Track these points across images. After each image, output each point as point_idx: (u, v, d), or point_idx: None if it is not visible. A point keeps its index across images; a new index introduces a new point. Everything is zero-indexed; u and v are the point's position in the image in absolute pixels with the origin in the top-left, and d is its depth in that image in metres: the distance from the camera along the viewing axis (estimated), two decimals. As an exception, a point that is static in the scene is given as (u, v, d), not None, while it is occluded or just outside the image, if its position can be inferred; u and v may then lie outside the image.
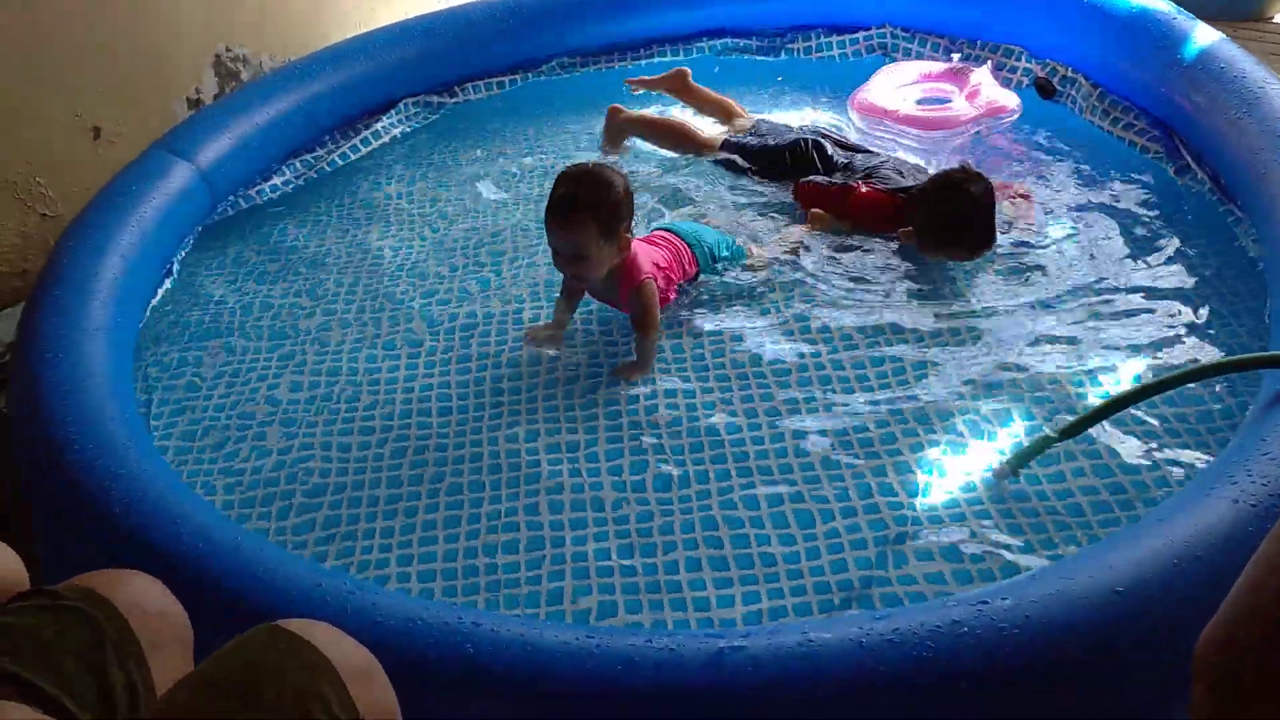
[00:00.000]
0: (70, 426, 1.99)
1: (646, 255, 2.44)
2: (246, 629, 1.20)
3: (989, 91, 3.24)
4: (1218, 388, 2.20)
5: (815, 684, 1.47)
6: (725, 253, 2.64)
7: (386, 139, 3.40)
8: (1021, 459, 2.04)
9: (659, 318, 2.42)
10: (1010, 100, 3.22)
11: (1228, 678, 1.08)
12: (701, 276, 2.61)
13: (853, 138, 3.15)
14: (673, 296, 2.54)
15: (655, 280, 2.42)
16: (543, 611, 1.89)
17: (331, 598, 1.60)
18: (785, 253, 2.71)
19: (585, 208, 2.25)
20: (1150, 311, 2.44)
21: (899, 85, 3.36)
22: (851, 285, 2.60)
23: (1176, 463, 2.05)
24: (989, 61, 3.39)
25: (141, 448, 2.00)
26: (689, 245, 2.58)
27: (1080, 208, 2.81)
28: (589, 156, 3.29)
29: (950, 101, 3.29)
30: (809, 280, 2.62)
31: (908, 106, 3.26)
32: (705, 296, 2.61)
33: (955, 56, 3.48)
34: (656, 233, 2.63)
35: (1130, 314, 2.43)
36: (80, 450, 1.93)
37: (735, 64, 3.69)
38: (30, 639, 1.12)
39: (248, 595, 1.63)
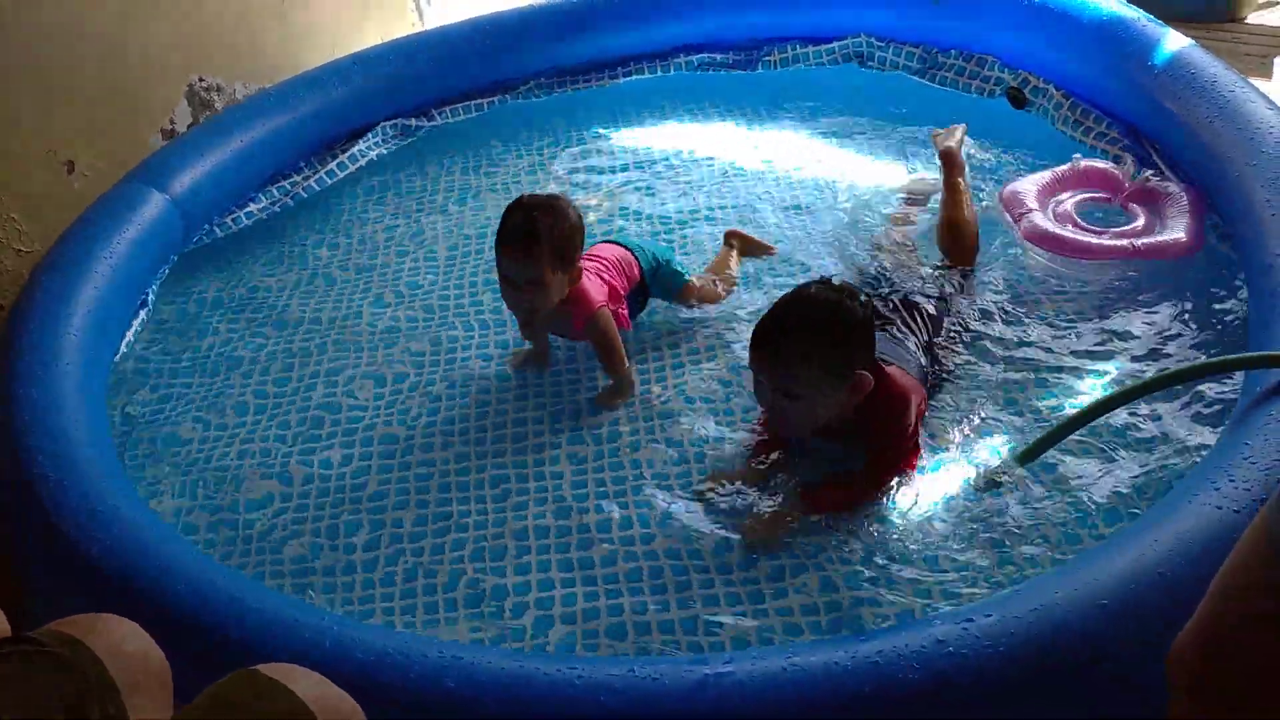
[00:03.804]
0: (45, 464, 1.97)
1: (595, 285, 2.38)
2: (225, 667, 1.20)
3: (1173, 208, 2.63)
4: (1199, 391, 2.19)
5: (801, 708, 1.46)
6: (670, 256, 2.59)
7: (363, 163, 3.38)
8: (1036, 449, 2.04)
9: (621, 344, 2.40)
10: (1186, 192, 2.66)
11: (1204, 680, 1.08)
12: (651, 293, 2.56)
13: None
14: (627, 322, 2.47)
15: (608, 307, 2.38)
16: (528, 643, 1.88)
17: (310, 633, 1.59)
18: (723, 281, 2.64)
19: (541, 236, 2.21)
20: (1129, 315, 2.44)
21: (1055, 200, 2.76)
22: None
23: (1160, 469, 2.05)
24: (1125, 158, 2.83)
25: (116, 484, 1.98)
26: (632, 250, 2.53)
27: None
28: (568, 176, 3.30)
29: (1134, 220, 2.66)
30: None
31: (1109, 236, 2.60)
32: (677, 324, 2.59)
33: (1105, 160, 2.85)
34: (601, 243, 2.58)
35: (1109, 319, 2.44)
36: (54, 488, 1.91)
37: (714, 79, 3.69)
38: (8, 687, 1.11)
39: (224, 633, 1.61)
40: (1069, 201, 2.75)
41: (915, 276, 2.52)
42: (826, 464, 2.15)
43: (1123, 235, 2.59)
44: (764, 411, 2.16)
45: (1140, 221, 2.64)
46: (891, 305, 2.36)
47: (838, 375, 1.94)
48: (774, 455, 2.15)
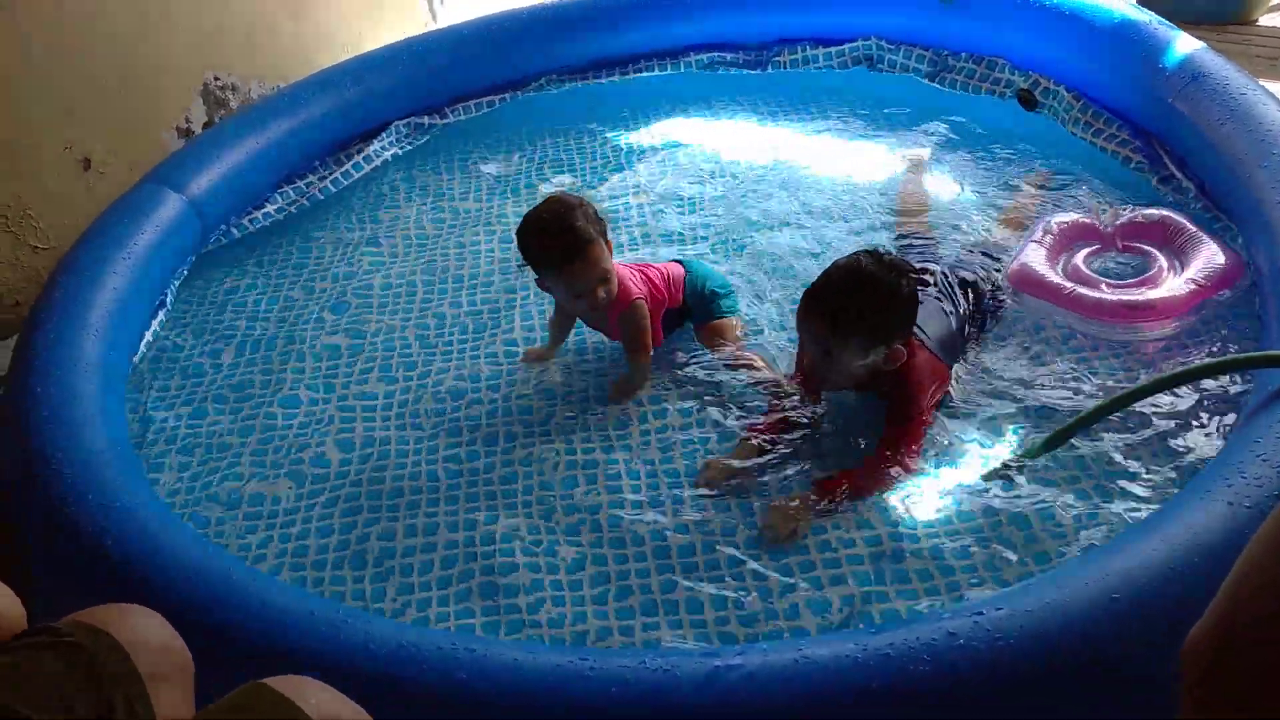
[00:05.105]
0: (63, 461, 1.99)
1: (634, 279, 2.40)
2: (241, 662, 1.20)
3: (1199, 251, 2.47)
4: (1210, 388, 2.19)
5: (812, 701, 1.47)
6: (719, 289, 2.49)
7: (378, 162, 3.39)
8: (1051, 442, 2.06)
9: (650, 340, 2.40)
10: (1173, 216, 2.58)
11: (1214, 677, 1.08)
12: (691, 314, 2.49)
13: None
14: (657, 335, 2.43)
15: (646, 301, 2.38)
16: (546, 634, 1.89)
17: (325, 627, 1.60)
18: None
19: (593, 233, 2.23)
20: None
21: (1064, 264, 2.56)
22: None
23: (1172, 466, 2.05)
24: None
25: (134, 481, 2.00)
26: (687, 271, 2.50)
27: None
28: (580, 171, 3.32)
29: (1152, 261, 2.51)
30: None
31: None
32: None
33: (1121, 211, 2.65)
34: (669, 262, 2.57)
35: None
36: (73, 485, 1.93)
37: (723, 78, 3.70)
38: (33, 678, 1.12)
39: (240, 628, 1.62)
40: (1078, 259, 2.54)
41: (954, 246, 2.62)
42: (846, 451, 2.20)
43: (1170, 276, 2.46)
44: (798, 369, 2.30)
45: (1161, 260, 2.50)
46: (933, 272, 2.42)
47: (875, 344, 2.07)
48: (791, 414, 2.23)
